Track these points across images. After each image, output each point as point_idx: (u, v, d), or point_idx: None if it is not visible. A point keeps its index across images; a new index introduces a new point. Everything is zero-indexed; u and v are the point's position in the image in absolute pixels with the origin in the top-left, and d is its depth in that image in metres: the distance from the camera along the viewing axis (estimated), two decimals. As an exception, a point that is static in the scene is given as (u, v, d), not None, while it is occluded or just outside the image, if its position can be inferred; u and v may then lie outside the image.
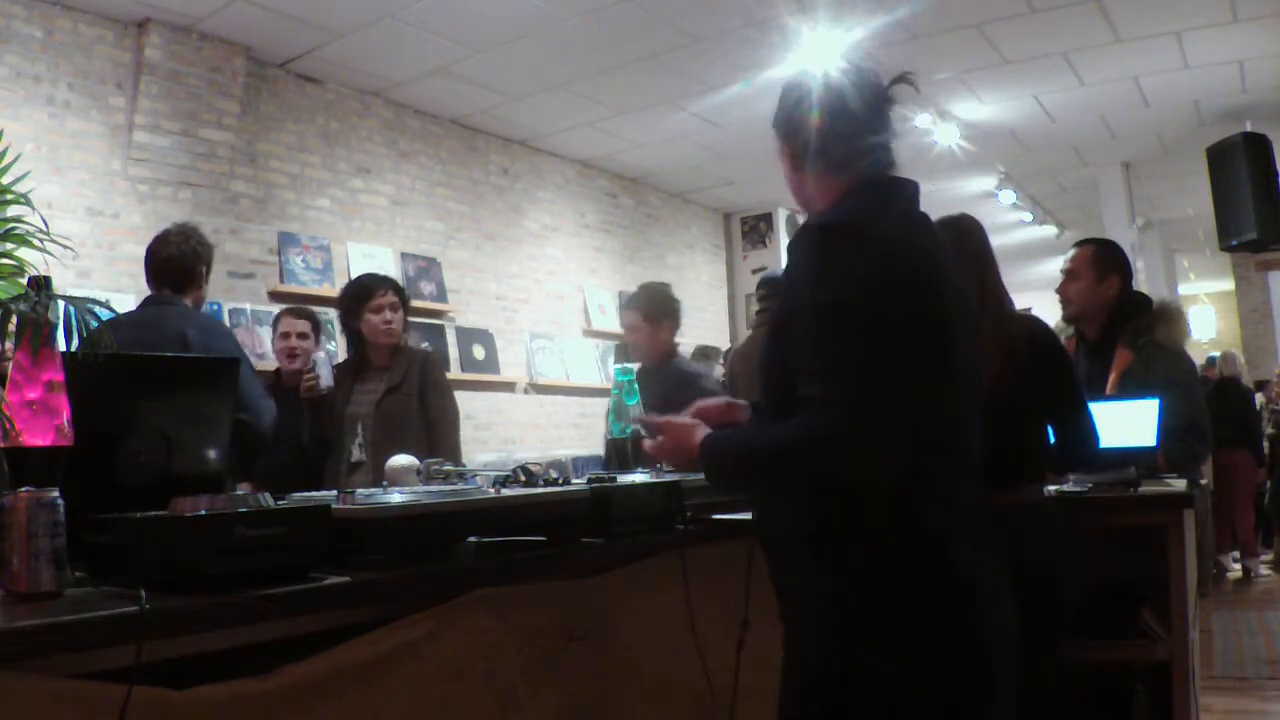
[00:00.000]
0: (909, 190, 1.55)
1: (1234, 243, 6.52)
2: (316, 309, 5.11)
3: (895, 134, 1.57)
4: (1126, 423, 3.09)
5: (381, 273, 3.95)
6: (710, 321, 8.35)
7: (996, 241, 2.37)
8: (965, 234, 2.28)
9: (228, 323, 4.66)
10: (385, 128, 5.81)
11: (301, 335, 3.80)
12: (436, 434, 3.31)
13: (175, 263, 3.14)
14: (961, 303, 1.51)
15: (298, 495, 1.75)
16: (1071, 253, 3.15)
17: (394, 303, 3.41)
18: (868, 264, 1.38)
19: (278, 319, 3.96)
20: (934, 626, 1.37)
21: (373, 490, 1.74)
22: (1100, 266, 3.06)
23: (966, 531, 1.44)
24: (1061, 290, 3.12)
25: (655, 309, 3.76)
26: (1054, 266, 3.46)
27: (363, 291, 3.44)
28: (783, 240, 8.39)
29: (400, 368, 3.37)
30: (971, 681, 1.38)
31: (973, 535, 1.45)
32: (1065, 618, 2.25)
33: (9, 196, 1.55)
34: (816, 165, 1.55)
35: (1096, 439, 2.28)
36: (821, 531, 1.43)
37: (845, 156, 1.53)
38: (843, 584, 1.41)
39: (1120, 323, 3.06)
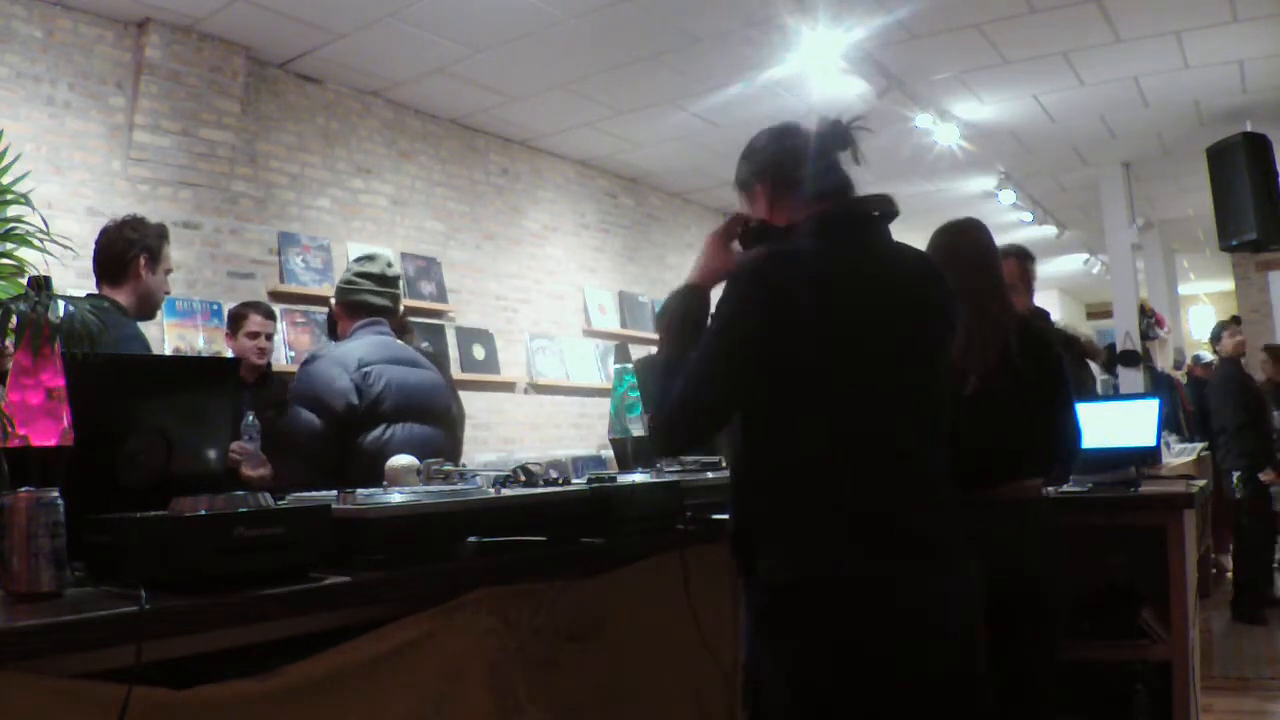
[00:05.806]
0: (849, 225, 1.67)
1: (1234, 243, 6.51)
2: (316, 310, 5.15)
3: (840, 172, 1.74)
4: (1126, 423, 3.10)
5: None
6: (710, 321, 8.34)
7: (996, 241, 2.38)
8: (964, 237, 2.30)
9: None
10: (385, 128, 5.81)
11: (269, 336, 4.00)
12: None
13: (102, 253, 2.90)
14: (857, 334, 1.58)
15: (296, 495, 1.74)
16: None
17: None
18: (742, 305, 1.57)
19: (244, 314, 3.99)
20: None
21: (373, 490, 1.73)
22: (1027, 278, 3.23)
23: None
24: None
25: None
26: (1054, 267, 3.52)
27: None
28: (782, 240, 8.37)
29: None
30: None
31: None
32: (1058, 617, 2.24)
33: (9, 196, 1.55)
34: (778, 197, 1.80)
35: (1079, 439, 2.29)
36: None
37: (802, 192, 1.75)
38: None
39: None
